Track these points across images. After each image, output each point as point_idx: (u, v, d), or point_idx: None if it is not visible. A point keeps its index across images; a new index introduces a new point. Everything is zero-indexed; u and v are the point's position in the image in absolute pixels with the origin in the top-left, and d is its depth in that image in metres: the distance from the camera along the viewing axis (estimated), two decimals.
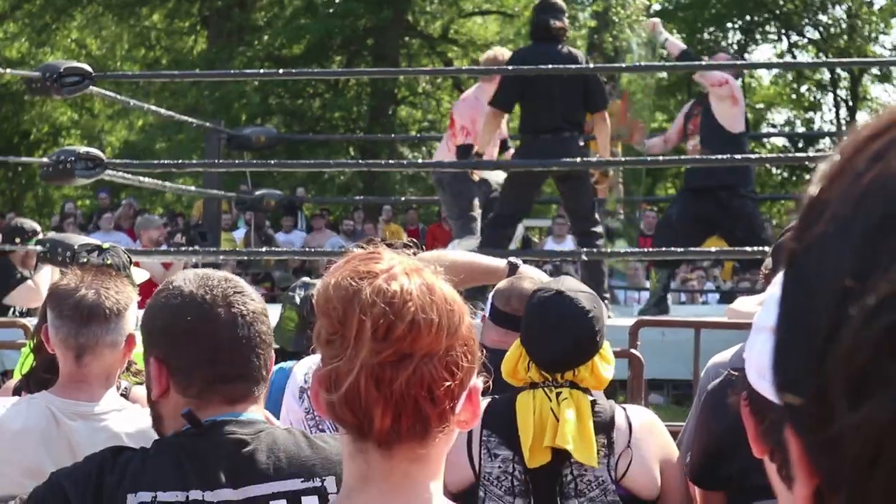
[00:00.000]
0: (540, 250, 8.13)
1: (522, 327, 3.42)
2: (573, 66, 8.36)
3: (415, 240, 1.94)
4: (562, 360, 3.31)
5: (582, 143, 8.61)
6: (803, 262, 0.74)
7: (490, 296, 4.19)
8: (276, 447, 2.35)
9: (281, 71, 13.18)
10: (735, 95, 9.19)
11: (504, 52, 9.55)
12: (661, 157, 10.26)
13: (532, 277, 4.24)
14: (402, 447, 1.66)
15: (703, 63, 9.27)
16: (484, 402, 3.33)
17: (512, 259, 4.42)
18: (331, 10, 24.08)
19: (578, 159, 8.31)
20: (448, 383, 1.65)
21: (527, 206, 9.01)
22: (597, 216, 8.70)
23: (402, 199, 18.58)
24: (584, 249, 8.43)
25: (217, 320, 2.35)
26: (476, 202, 9.37)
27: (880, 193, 0.70)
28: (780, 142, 32.23)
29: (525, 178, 8.56)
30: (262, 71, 13.35)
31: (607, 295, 8.78)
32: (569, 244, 14.05)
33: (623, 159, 9.31)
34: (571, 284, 3.51)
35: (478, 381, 1.73)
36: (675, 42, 9.34)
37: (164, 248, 10.86)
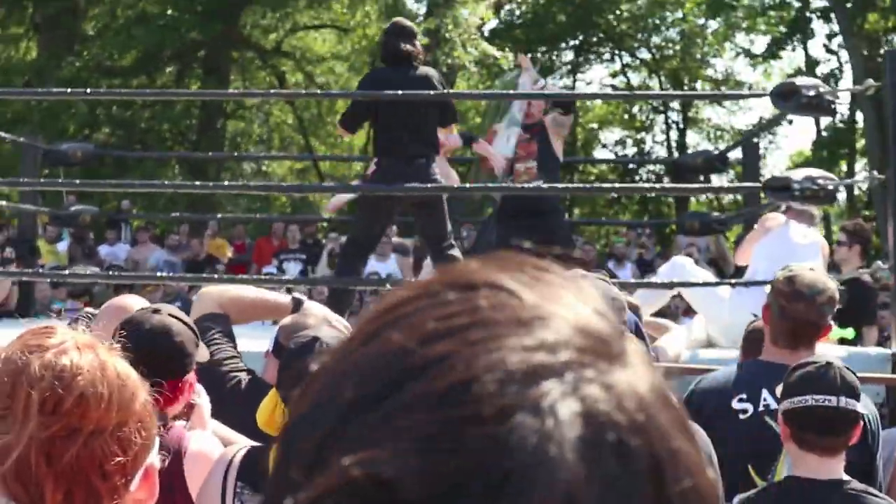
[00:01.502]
0: (351, 278, 7.97)
1: (278, 375, 3.41)
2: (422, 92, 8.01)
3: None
4: None
5: (437, 169, 8.32)
6: (285, 438, 0.70)
7: (275, 332, 4.20)
8: None
9: (88, 90, 13.09)
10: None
11: None
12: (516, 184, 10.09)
13: (317, 314, 4.26)
14: None
15: (537, 92, 9.39)
16: (240, 453, 3.34)
17: (297, 295, 4.43)
18: (162, 22, 23.74)
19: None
20: (120, 459, 1.64)
21: (379, 233, 8.60)
22: (452, 240, 8.43)
23: (219, 216, 18.30)
24: (393, 278, 8.40)
25: None
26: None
27: (353, 377, 0.67)
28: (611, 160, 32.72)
29: (375, 203, 8.25)
30: (69, 90, 13.13)
31: None
32: (392, 263, 14.08)
33: (484, 185, 9.40)
34: (328, 332, 3.51)
35: (156, 460, 1.74)
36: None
37: None
